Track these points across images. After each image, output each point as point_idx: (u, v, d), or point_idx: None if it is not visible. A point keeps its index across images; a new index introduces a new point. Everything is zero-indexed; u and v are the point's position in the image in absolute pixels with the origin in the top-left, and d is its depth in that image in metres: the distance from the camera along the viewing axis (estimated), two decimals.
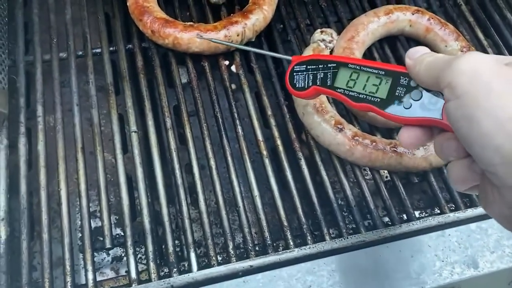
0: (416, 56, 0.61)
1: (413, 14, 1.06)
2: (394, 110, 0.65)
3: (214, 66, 1.06)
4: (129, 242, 0.86)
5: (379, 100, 0.68)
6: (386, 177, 1.02)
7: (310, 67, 0.76)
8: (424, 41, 1.09)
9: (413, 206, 0.94)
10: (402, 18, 1.06)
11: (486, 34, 1.18)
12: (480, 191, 0.57)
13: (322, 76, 0.74)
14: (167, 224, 0.88)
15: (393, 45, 1.12)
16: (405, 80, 0.65)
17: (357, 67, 0.70)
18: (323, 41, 1.03)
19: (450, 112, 0.54)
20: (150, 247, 0.86)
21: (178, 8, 1.14)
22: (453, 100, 0.53)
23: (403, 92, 0.65)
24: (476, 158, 0.52)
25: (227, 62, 1.07)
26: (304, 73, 0.77)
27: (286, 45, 1.13)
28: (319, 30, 1.06)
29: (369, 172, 0.98)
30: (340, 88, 0.72)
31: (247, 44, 1.06)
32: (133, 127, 0.97)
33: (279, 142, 0.98)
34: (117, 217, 1.00)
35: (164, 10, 1.12)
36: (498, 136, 0.48)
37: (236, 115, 1.00)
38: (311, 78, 0.76)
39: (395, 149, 0.91)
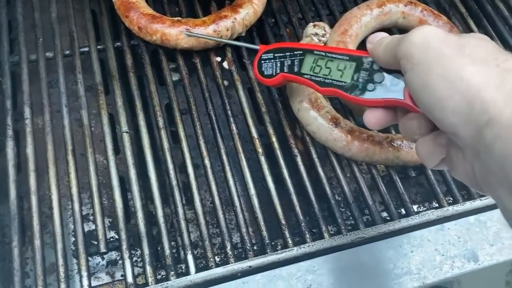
0: (376, 40, 0.67)
1: (405, 6, 1.05)
2: (358, 93, 0.70)
3: (205, 62, 1.04)
4: (124, 246, 0.84)
5: (344, 84, 0.72)
6: (383, 171, 1.01)
7: (278, 55, 0.81)
8: None
9: (411, 200, 0.93)
10: (395, 10, 1.05)
11: (478, 25, 1.18)
12: (447, 160, 0.61)
13: (289, 63, 0.79)
14: (162, 226, 0.86)
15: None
16: (368, 63, 0.69)
17: (322, 53, 0.75)
18: (316, 35, 1.02)
19: (409, 82, 0.58)
20: (146, 250, 0.84)
21: (166, 4, 1.12)
22: (410, 71, 0.57)
23: (366, 76, 0.69)
24: (438, 123, 0.56)
25: (219, 59, 1.05)
26: (272, 61, 0.81)
27: (278, 39, 1.11)
28: (311, 23, 1.04)
29: (365, 167, 0.97)
30: (306, 74, 0.77)
31: (238, 38, 1.04)
32: (125, 128, 0.95)
33: (274, 139, 0.97)
34: (110, 220, 0.98)
35: (152, 6, 1.09)
36: (453, 97, 0.52)
37: (229, 112, 0.98)
38: (279, 65, 0.81)
39: (392, 143, 0.90)
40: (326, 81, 0.74)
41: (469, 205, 0.90)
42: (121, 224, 0.86)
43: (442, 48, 0.54)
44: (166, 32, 0.99)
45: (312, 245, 0.84)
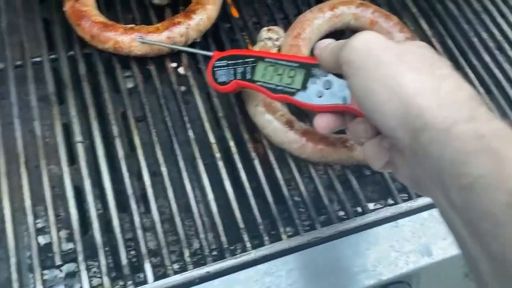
0: (322, 46, 0.68)
1: (357, 8, 1.07)
2: (308, 99, 0.72)
3: (160, 69, 1.04)
4: (80, 257, 0.83)
5: (294, 90, 0.74)
6: (339, 171, 1.02)
7: (231, 62, 0.83)
8: None
9: (367, 198, 0.95)
10: (347, 12, 1.07)
11: (430, 25, 1.21)
12: (390, 163, 0.64)
13: (242, 70, 0.81)
14: (119, 235, 0.85)
15: (339, 39, 1.12)
16: (316, 70, 0.71)
17: (273, 60, 0.77)
18: (270, 40, 1.02)
19: (351, 87, 0.60)
20: (103, 261, 0.83)
21: (120, 12, 1.11)
22: (351, 76, 0.59)
23: (315, 82, 0.71)
24: (379, 127, 0.58)
25: (174, 64, 1.04)
26: (225, 68, 0.83)
27: (235, 44, 1.11)
28: (265, 28, 1.05)
29: (322, 168, 0.98)
30: (259, 81, 0.79)
31: (192, 44, 1.04)
32: (79, 137, 0.93)
33: (232, 143, 0.97)
34: (68, 232, 0.96)
35: (105, 14, 1.08)
36: (392, 103, 0.54)
37: (186, 118, 0.98)
38: (232, 72, 0.82)
39: (345, 143, 0.91)
40: (278, 88, 0.77)
41: (422, 201, 0.92)
42: (77, 236, 0.85)
43: (382, 55, 0.56)
44: (119, 40, 0.98)
45: (270, 247, 0.85)
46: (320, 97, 0.71)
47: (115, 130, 0.95)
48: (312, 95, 0.72)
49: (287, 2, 1.18)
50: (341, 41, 0.64)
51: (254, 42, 1.08)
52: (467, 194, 0.47)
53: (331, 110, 0.71)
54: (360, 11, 1.07)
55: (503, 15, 1.24)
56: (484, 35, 1.19)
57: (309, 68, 0.73)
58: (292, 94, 0.75)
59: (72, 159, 0.97)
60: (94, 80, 1.02)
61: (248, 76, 0.80)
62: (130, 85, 1.07)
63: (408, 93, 0.53)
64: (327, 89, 0.70)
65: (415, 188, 0.62)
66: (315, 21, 1.04)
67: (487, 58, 1.16)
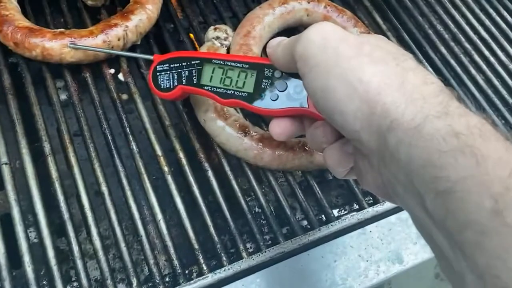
0: (275, 43, 0.61)
1: (309, 3, 1.01)
2: (262, 103, 0.65)
3: (97, 76, 0.93)
4: None
5: (246, 94, 0.66)
6: (302, 177, 0.95)
7: (174, 65, 0.72)
8: None
9: (331, 204, 0.88)
10: (298, 8, 1.00)
11: (384, 18, 1.17)
12: (355, 169, 0.57)
13: (187, 74, 0.71)
14: (54, 268, 0.74)
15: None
16: (270, 71, 0.64)
17: (221, 62, 0.68)
18: (217, 39, 0.94)
19: (308, 86, 0.53)
20: None
21: (49, 15, 0.99)
22: (308, 73, 0.52)
23: (268, 84, 0.64)
24: (340, 129, 0.52)
25: (112, 71, 0.94)
26: (168, 72, 0.73)
27: (180, 46, 1.03)
28: (212, 27, 0.97)
29: (282, 175, 0.91)
30: (207, 86, 0.70)
31: (133, 47, 0.95)
32: (4, 159, 0.82)
33: (181, 154, 0.88)
34: None
35: (33, 18, 0.97)
36: (353, 101, 0.48)
37: (128, 129, 0.88)
38: (176, 77, 0.72)
39: (304, 147, 0.84)
40: (228, 92, 0.68)
41: (389, 204, 0.86)
42: (4, 272, 0.73)
43: (340, 47, 0.50)
44: (47, 47, 0.87)
45: (229, 268, 0.76)
46: (275, 100, 0.64)
47: (47, 147, 0.83)
48: (266, 98, 0.64)
49: None
50: (295, 36, 0.57)
51: (201, 43, 1.00)
52: (446, 201, 0.41)
53: (288, 114, 0.64)
54: (312, 6, 1.01)
55: (456, 6, 1.21)
56: (439, 27, 1.16)
57: (261, 68, 0.65)
58: (244, 98, 0.67)
59: (0, 184, 0.85)
60: (21, 93, 0.91)
61: (195, 81, 0.71)
62: (63, 96, 0.96)
63: (370, 89, 0.47)
64: (282, 91, 0.63)
65: (384, 197, 0.55)
66: (266, 18, 0.97)
67: (443, 50, 1.13)
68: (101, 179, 0.82)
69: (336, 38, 0.51)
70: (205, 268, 0.77)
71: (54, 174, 0.81)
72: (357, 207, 0.88)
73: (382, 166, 0.48)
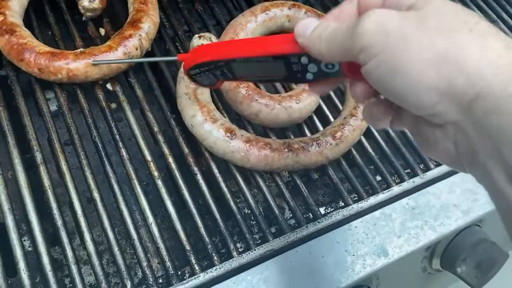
0: (308, 32, 0.56)
1: (290, 9, 1.04)
2: (301, 80, 0.64)
3: (86, 86, 0.96)
4: None
5: (282, 77, 0.66)
6: (289, 177, 0.98)
7: (203, 69, 0.72)
8: None
9: (317, 203, 0.91)
10: (280, 14, 1.04)
11: None
12: (420, 138, 0.55)
13: (220, 73, 0.72)
14: (50, 274, 0.76)
15: None
16: (295, 58, 0.61)
17: (245, 59, 0.66)
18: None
19: (372, 74, 0.50)
20: None
21: (37, 28, 1.02)
22: (371, 61, 0.49)
23: (299, 67, 0.62)
24: (413, 109, 0.50)
25: (101, 81, 0.97)
26: (202, 74, 0.73)
27: (167, 55, 1.05)
28: (196, 35, 1.00)
29: (269, 176, 0.94)
30: (244, 77, 0.71)
31: (146, 55, 0.99)
32: None
33: (171, 159, 0.90)
34: None
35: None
36: (428, 77, 0.46)
37: (117, 136, 0.90)
38: (212, 76, 0.73)
39: (289, 148, 0.87)
40: (266, 77, 0.71)
41: (373, 199, 0.89)
42: (0, 280, 0.75)
43: (403, 28, 0.47)
44: (72, 68, 0.89)
45: (220, 267, 0.79)
46: (310, 80, 0.63)
47: (38, 157, 0.85)
48: (302, 78, 0.63)
49: (219, 8, 1.13)
50: (336, 26, 0.53)
51: (186, 51, 1.02)
52: None
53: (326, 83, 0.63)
54: (293, 12, 1.05)
55: None
56: None
57: (286, 58, 0.62)
58: (283, 80, 0.72)
59: None
60: (11, 104, 0.93)
61: (230, 76, 0.71)
62: (53, 106, 0.98)
63: (449, 63, 0.44)
64: (315, 72, 0.61)
65: (453, 165, 0.53)
66: (248, 25, 1.00)
67: None
68: (92, 186, 0.84)
69: (395, 22, 0.48)
70: (197, 268, 0.79)
71: (46, 182, 0.83)
72: (343, 204, 0.91)
73: (462, 135, 0.47)
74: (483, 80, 0.44)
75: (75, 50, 0.93)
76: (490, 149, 0.45)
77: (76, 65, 0.90)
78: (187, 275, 0.83)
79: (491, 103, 0.43)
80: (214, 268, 0.78)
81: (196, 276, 0.77)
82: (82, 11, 1.02)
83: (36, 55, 0.90)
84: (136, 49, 0.94)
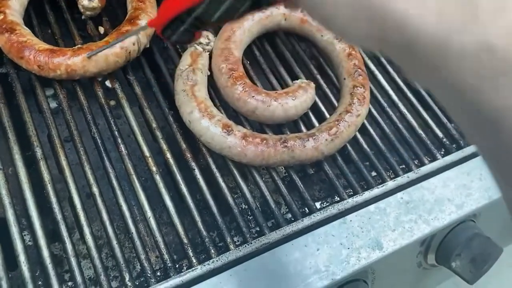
0: None
1: (286, 7, 1.06)
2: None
3: (85, 84, 0.97)
4: None
5: (250, 2, 0.61)
6: (285, 173, 1.00)
7: (174, 26, 0.68)
8: (301, 33, 1.09)
9: (313, 197, 0.92)
10: (276, 13, 1.05)
11: None
12: None
13: (191, 24, 0.67)
14: (49, 266, 0.77)
15: (272, 41, 1.11)
16: None
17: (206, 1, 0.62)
18: (200, 44, 0.99)
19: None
20: None
21: (37, 26, 1.03)
22: None
23: None
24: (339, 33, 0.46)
25: (100, 78, 0.98)
26: (176, 31, 0.69)
27: (164, 52, 1.07)
28: None
29: (266, 171, 0.95)
30: (215, 18, 0.64)
31: (144, 51, 1.00)
32: None
33: (169, 155, 0.92)
34: None
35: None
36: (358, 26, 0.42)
37: (116, 133, 0.92)
38: (185, 30, 0.68)
39: (285, 143, 0.89)
40: (234, 12, 0.63)
41: (368, 194, 0.91)
42: (2, 273, 0.76)
43: None
44: (70, 63, 0.91)
45: (217, 260, 0.80)
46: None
47: (38, 152, 0.87)
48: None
49: None
50: None
51: (184, 49, 1.04)
52: None
53: None
54: (289, 11, 1.06)
55: None
56: None
57: None
58: None
59: None
60: (12, 102, 0.94)
61: (202, 23, 0.65)
62: (53, 104, 0.99)
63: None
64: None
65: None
66: (245, 23, 1.02)
67: None
68: (92, 181, 0.86)
69: None
70: (194, 261, 0.81)
71: (46, 177, 0.85)
72: (338, 199, 0.93)
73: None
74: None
75: (73, 47, 0.94)
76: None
77: (74, 60, 0.91)
78: (184, 268, 0.84)
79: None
80: (211, 260, 0.80)
81: (193, 268, 0.79)
82: (82, 10, 1.03)
83: (35, 53, 0.91)
84: (134, 44, 0.95)
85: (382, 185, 0.92)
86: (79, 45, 0.95)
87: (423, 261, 1.01)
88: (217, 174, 0.92)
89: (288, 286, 0.78)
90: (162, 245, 0.82)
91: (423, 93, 1.11)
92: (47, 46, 0.94)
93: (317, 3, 0.45)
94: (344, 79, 1.01)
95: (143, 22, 0.99)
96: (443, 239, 0.96)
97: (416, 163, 0.99)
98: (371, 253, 0.84)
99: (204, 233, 0.84)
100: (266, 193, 0.90)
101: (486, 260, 0.95)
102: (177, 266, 0.82)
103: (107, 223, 0.82)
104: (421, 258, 1.00)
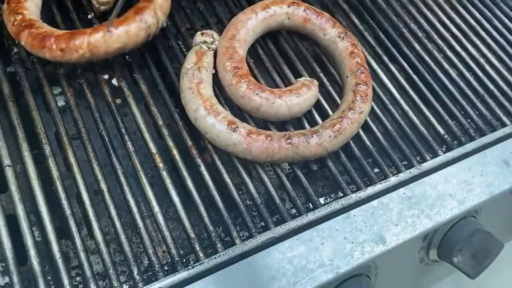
0: None
1: (289, 7, 1.07)
2: None
3: (92, 82, 0.99)
4: None
5: None
6: (289, 169, 1.01)
7: None
8: (304, 32, 1.10)
9: (317, 193, 0.94)
10: (279, 12, 1.07)
11: (361, 19, 1.24)
12: None
13: None
14: (59, 261, 0.79)
15: (275, 40, 1.12)
16: None
17: None
18: (204, 43, 1.01)
19: None
20: None
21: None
22: None
23: None
24: None
25: (106, 76, 1.00)
26: None
27: (170, 51, 1.08)
28: (199, 32, 1.03)
29: (271, 168, 0.97)
30: None
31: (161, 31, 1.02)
32: (7, 161, 0.86)
33: (175, 151, 0.93)
34: (3, 264, 0.88)
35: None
36: None
37: (123, 130, 0.93)
38: None
39: (290, 140, 0.90)
40: None
41: (371, 190, 0.92)
42: (12, 267, 0.78)
43: None
44: (92, 41, 0.92)
45: (224, 254, 0.82)
46: None
47: (47, 149, 0.88)
48: None
49: (220, 6, 1.16)
50: None
51: (189, 48, 1.05)
52: None
53: None
54: (293, 10, 1.08)
55: (428, 6, 1.29)
56: (413, 26, 1.24)
57: None
58: None
59: (3, 186, 0.90)
60: (20, 100, 0.96)
61: None
62: (61, 102, 1.01)
63: None
64: None
65: None
66: (249, 22, 1.03)
67: (418, 47, 1.20)
68: (100, 177, 0.87)
69: None
70: (201, 255, 0.82)
71: (55, 174, 0.86)
72: (342, 194, 0.94)
73: None
74: None
75: (92, 27, 0.96)
76: None
77: (95, 37, 0.93)
78: (191, 262, 0.86)
79: None
80: (218, 255, 0.81)
81: (200, 262, 0.80)
82: (97, 5, 1.05)
83: (55, 38, 0.93)
84: (152, 17, 0.97)
85: (384, 180, 0.94)
86: (98, 25, 0.97)
87: (425, 257, 1.02)
88: (223, 171, 0.93)
89: (293, 279, 0.80)
90: (169, 240, 0.83)
91: (425, 90, 1.12)
92: (63, 31, 0.95)
93: None
94: (347, 77, 1.03)
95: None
96: (445, 235, 0.97)
97: (418, 159, 1.00)
98: (375, 247, 0.86)
99: (211, 228, 0.86)
100: (271, 189, 0.92)
101: (487, 255, 0.97)
102: (184, 260, 0.84)
103: (115, 218, 0.84)
104: (423, 254, 1.01)
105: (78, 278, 0.88)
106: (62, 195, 0.84)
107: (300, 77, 1.04)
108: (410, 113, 1.07)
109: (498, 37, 1.26)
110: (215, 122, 0.91)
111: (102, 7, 1.05)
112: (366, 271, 0.89)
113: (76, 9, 1.08)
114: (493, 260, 0.98)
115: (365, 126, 1.02)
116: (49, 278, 0.84)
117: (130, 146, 0.92)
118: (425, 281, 1.16)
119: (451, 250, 0.98)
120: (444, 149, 1.04)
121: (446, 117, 1.09)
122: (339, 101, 1.04)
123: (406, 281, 1.09)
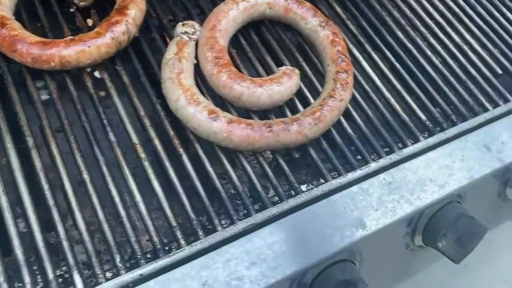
0: None
1: None
2: None
3: (75, 75, 0.99)
4: (1, 279, 0.77)
5: None
6: (272, 158, 1.02)
7: None
8: (286, 21, 1.11)
9: (299, 180, 0.95)
10: (261, 2, 1.07)
11: (345, 9, 1.24)
12: None
13: None
14: (43, 250, 0.80)
15: (258, 30, 1.13)
16: None
17: None
18: (186, 34, 1.01)
19: None
20: (27, 279, 0.78)
21: (26, 20, 1.05)
22: None
23: None
24: None
25: (89, 69, 1.00)
26: None
27: (153, 43, 1.09)
28: (180, 23, 1.03)
29: (253, 156, 0.98)
30: None
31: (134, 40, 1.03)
32: None
33: (157, 142, 0.94)
34: None
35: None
36: None
37: (106, 122, 0.94)
38: None
39: (270, 128, 0.91)
40: None
41: (351, 175, 0.93)
42: None
43: None
44: (64, 55, 0.93)
45: (204, 241, 0.83)
46: None
47: (30, 141, 0.89)
48: None
49: None
50: None
51: (171, 39, 1.06)
52: None
53: None
54: (274, 0, 1.08)
55: None
56: (396, 14, 1.24)
57: None
58: None
59: None
60: (3, 93, 0.96)
61: None
62: (44, 95, 1.02)
63: None
64: None
65: None
66: (230, 12, 1.04)
67: (400, 35, 1.20)
68: (82, 167, 0.88)
69: None
70: (183, 242, 0.83)
71: (38, 165, 0.87)
72: (323, 181, 0.95)
73: None
74: None
75: (65, 38, 0.96)
76: None
77: (68, 52, 0.93)
78: (173, 249, 0.87)
79: None
80: (199, 241, 0.83)
81: (181, 249, 0.81)
82: (76, 1, 1.05)
83: (28, 46, 0.93)
84: (123, 34, 0.98)
85: (365, 166, 0.95)
86: (71, 37, 0.97)
87: (410, 242, 1.03)
88: (205, 160, 0.94)
89: (273, 265, 0.81)
90: (151, 229, 0.84)
91: (408, 78, 1.13)
92: (38, 38, 0.96)
93: None
94: (328, 65, 1.03)
95: (132, 11, 1.00)
96: (429, 220, 0.98)
97: (399, 146, 1.01)
98: (355, 232, 0.87)
99: (193, 216, 0.87)
100: (253, 177, 0.93)
101: (471, 240, 0.98)
102: (166, 248, 0.85)
103: (98, 207, 0.85)
104: (408, 239, 1.02)
105: (64, 268, 0.89)
106: (45, 185, 0.85)
107: (282, 67, 1.05)
108: (392, 101, 1.08)
109: (481, 23, 1.27)
110: (195, 112, 0.92)
111: (82, 3, 1.05)
112: (351, 257, 0.90)
113: (59, 3, 1.09)
114: (477, 244, 0.99)
115: (347, 114, 1.03)
116: (35, 268, 0.85)
117: (112, 137, 0.93)
118: (413, 267, 1.16)
119: (435, 235, 0.98)
120: (426, 135, 1.05)
121: (429, 104, 1.09)
122: (320, 90, 1.05)
123: (393, 267, 1.10)
